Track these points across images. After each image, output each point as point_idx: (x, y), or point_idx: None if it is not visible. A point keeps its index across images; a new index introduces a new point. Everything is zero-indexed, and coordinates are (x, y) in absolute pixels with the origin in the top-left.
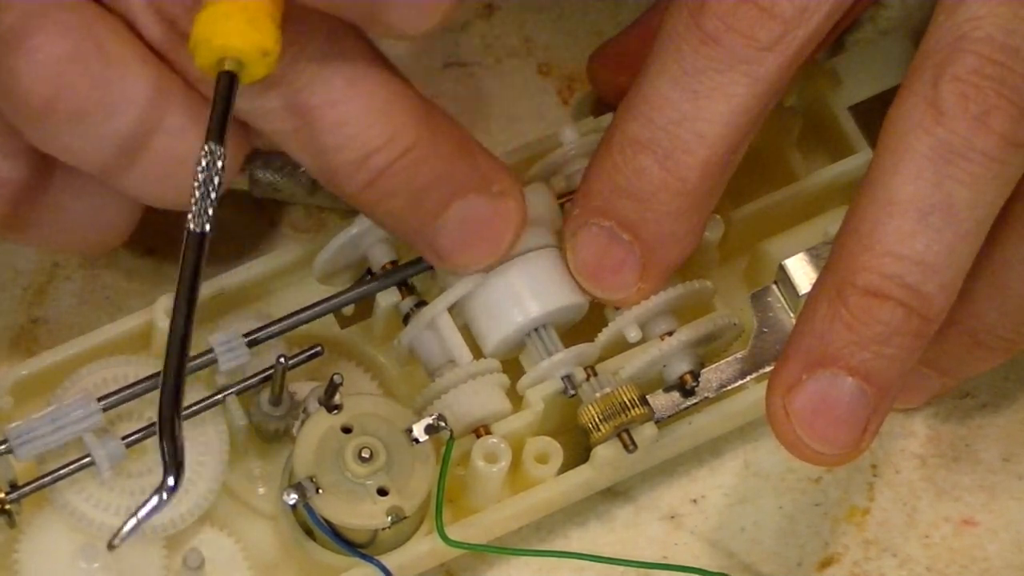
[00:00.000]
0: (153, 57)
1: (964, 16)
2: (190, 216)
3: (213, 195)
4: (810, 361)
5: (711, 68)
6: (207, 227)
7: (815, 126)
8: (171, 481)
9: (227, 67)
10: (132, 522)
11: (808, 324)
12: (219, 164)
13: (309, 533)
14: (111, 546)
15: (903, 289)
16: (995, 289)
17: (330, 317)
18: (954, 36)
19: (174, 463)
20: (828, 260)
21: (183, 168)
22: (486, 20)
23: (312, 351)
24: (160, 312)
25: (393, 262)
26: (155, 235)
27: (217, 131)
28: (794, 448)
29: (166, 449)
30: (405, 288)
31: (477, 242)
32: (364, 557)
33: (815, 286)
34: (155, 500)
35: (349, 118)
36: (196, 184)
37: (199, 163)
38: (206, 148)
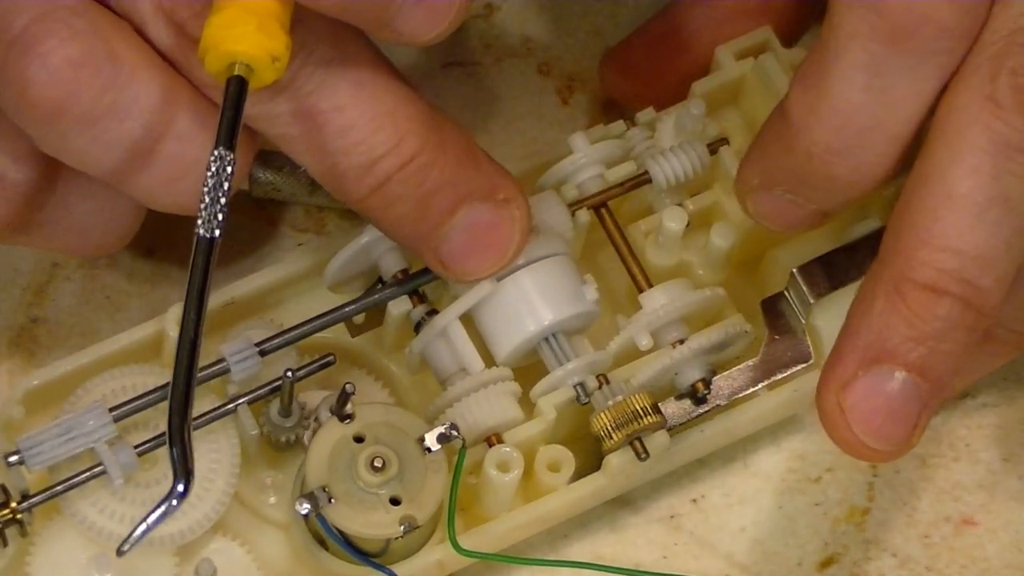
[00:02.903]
0: (162, 62)
1: (1019, 9)
2: (199, 221)
3: (223, 200)
4: (866, 357)
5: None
6: (216, 232)
7: None
8: (180, 488)
9: (237, 72)
10: (142, 528)
11: (864, 319)
12: (228, 169)
13: (321, 543)
14: (120, 552)
15: (961, 284)
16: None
17: (341, 326)
18: (1009, 29)
19: (184, 470)
20: (881, 253)
21: (192, 173)
22: (486, 20)
23: (324, 360)
24: (171, 321)
25: (404, 271)
26: (155, 235)
27: (227, 136)
28: (847, 445)
29: (175, 456)
30: (416, 296)
31: (482, 249)
32: (376, 566)
33: (868, 280)
34: (164, 507)
35: (356, 123)
36: (205, 189)
37: (208, 168)
38: (216, 153)
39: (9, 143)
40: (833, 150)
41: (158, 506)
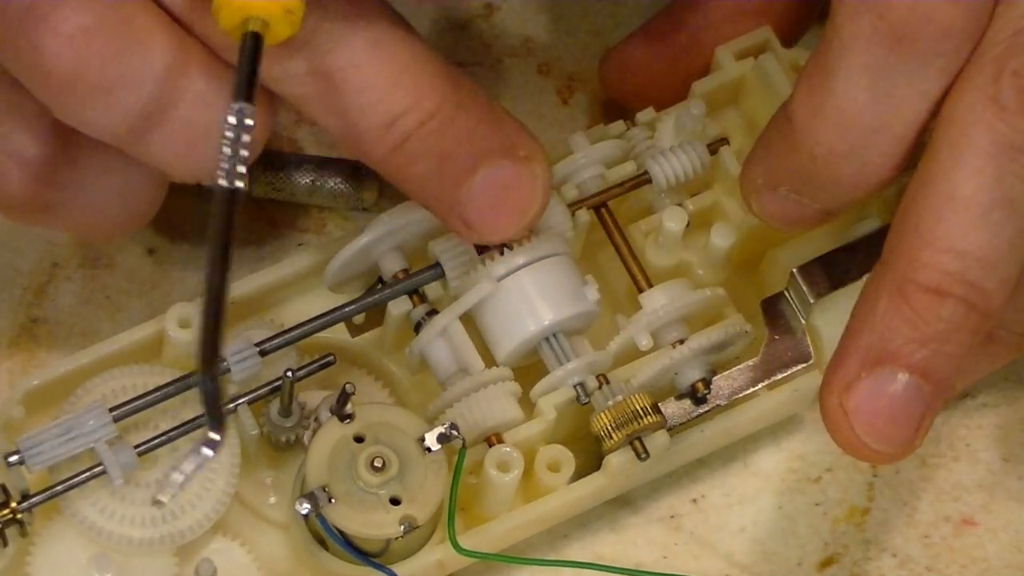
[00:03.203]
0: (177, 27)
1: (1023, 10)
2: (220, 173)
3: (243, 153)
4: (869, 359)
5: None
6: (238, 183)
7: None
8: (214, 435)
9: (251, 28)
10: (180, 478)
11: (867, 321)
12: (248, 122)
13: (321, 543)
14: (157, 502)
15: (965, 286)
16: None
17: (341, 326)
18: (1013, 30)
19: (217, 416)
20: (884, 254)
21: (209, 138)
22: (486, 20)
23: (324, 360)
24: (172, 321)
25: (404, 270)
26: (155, 235)
27: (245, 89)
28: (849, 447)
29: (207, 401)
30: (416, 296)
31: (505, 208)
32: (376, 566)
33: (871, 281)
34: (200, 456)
35: (374, 81)
36: (226, 142)
37: (227, 121)
38: (234, 107)
39: (26, 120)
40: (837, 152)
41: (193, 453)
